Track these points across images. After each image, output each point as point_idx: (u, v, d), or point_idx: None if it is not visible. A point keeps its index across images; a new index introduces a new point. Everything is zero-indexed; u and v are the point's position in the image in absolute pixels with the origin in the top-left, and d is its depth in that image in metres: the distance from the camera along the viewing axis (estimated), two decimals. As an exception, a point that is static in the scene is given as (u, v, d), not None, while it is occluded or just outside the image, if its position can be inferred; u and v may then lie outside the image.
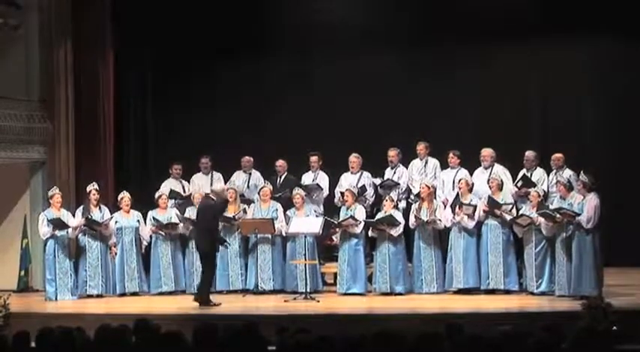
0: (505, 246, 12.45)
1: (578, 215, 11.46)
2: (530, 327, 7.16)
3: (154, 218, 13.24)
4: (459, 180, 12.86)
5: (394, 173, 13.60)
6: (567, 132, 14.83)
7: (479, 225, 12.57)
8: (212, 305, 11.79)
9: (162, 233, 13.23)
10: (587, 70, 14.98)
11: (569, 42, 14.83)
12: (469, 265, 12.51)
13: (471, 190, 12.76)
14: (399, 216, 12.67)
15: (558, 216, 11.67)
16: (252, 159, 14.17)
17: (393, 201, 12.83)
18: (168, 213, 13.32)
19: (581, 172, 11.77)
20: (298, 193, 13.07)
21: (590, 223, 11.44)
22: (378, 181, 13.57)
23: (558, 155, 12.92)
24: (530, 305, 11.67)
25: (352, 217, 12.64)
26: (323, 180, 13.82)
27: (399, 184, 13.45)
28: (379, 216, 12.82)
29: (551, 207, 11.96)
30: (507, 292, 12.42)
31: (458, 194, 12.70)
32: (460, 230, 12.58)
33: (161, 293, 13.15)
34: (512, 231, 12.50)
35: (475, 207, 12.48)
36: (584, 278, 11.46)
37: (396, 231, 12.57)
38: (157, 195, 13.47)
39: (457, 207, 12.52)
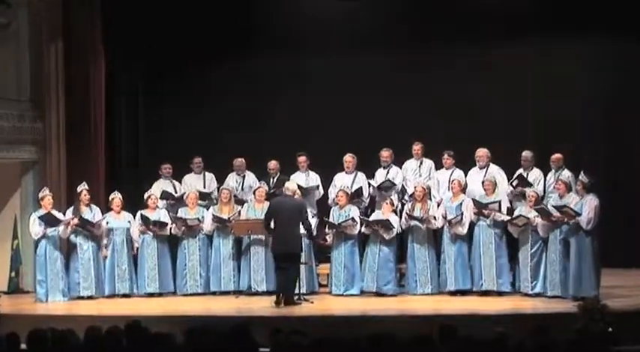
0: (497, 247, 12.40)
1: (579, 215, 11.40)
2: (525, 329, 7.13)
3: (142, 216, 13.13)
4: (452, 181, 12.82)
5: (387, 173, 13.51)
6: (566, 132, 14.75)
7: (471, 226, 12.51)
8: (298, 303, 11.86)
9: (150, 232, 13.12)
10: (587, 70, 14.92)
11: (569, 42, 14.78)
12: (462, 267, 12.46)
13: (464, 191, 12.72)
14: (395, 221, 12.59)
15: (555, 213, 11.60)
16: (244, 161, 14.08)
17: (393, 205, 12.76)
18: (157, 213, 13.21)
19: (581, 173, 11.71)
20: (293, 194, 12.97)
21: (589, 224, 11.38)
22: (374, 183, 13.45)
23: (558, 155, 12.87)
24: (524, 306, 11.61)
25: (352, 219, 12.58)
26: (316, 180, 13.74)
27: (395, 185, 13.38)
28: (374, 216, 12.74)
29: (549, 205, 11.90)
30: (500, 294, 12.36)
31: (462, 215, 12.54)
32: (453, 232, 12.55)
33: (150, 295, 13.05)
34: (507, 232, 12.44)
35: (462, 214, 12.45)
36: (584, 279, 11.41)
37: (389, 235, 12.50)
38: (146, 195, 13.36)
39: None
